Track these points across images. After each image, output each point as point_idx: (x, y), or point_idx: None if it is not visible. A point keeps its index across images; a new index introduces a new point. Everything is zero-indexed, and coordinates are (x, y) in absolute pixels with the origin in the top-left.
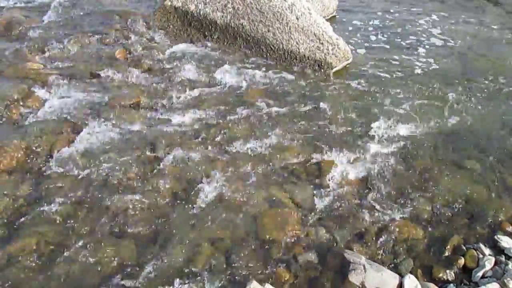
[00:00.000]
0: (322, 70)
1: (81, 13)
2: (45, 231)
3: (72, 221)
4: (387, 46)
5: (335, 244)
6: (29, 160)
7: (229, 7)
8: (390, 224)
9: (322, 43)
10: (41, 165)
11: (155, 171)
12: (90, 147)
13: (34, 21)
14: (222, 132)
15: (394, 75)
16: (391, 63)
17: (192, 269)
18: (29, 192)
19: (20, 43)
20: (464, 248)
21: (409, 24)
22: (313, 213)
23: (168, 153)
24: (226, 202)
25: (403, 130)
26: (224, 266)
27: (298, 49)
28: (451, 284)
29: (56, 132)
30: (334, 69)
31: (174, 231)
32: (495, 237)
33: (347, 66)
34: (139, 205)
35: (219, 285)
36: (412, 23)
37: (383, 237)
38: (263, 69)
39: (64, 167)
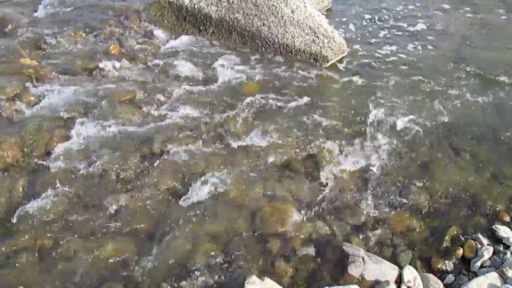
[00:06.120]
0: (318, 63)
1: (75, 9)
2: (42, 228)
3: (69, 218)
4: (383, 38)
5: (333, 237)
6: (24, 157)
7: (223, 1)
8: (388, 216)
9: (317, 36)
10: (37, 162)
11: (152, 166)
12: (86, 144)
13: (27, 17)
14: (218, 127)
15: (390, 67)
16: (387, 55)
17: (191, 264)
18: (25, 189)
19: (14, 39)
20: (463, 238)
21: (405, 16)
22: (311, 206)
23: (165, 149)
24: (224, 197)
25: (400, 122)
26: (223, 260)
27: (294, 42)
28: (450, 275)
29: (51, 129)
30: (330, 62)
31: (172, 226)
32: (493, 227)
33: (343, 58)
34: (137, 201)
35: (219, 279)
36: (407, 15)
37: (381, 229)
38: (259, 63)
39: (60, 163)
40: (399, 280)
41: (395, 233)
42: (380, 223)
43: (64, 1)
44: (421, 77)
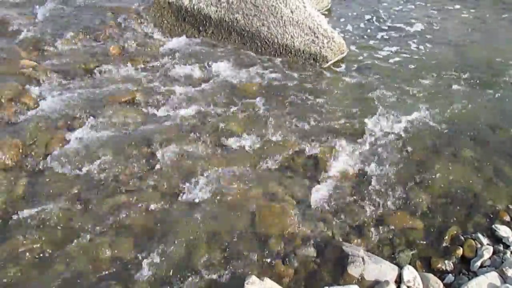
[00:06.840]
0: (318, 64)
1: (75, 10)
2: (42, 229)
3: (68, 219)
4: (382, 39)
5: (333, 237)
6: (24, 158)
7: (223, 1)
8: (388, 216)
9: (317, 37)
10: (36, 163)
11: (151, 167)
12: (86, 145)
13: (27, 18)
14: (218, 127)
15: (389, 67)
16: (386, 55)
17: (191, 265)
18: (25, 190)
19: (14, 41)
20: (462, 238)
21: (404, 16)
22: (311, 207)
23: (164, 149)
24: (223, 198)
25: (400, 121)
26: (223, 261)
27: (293, 43)
28: (450, 274)
29: (51, 130)
30: (330, 62)
31: (171, 227)
32: (493, 226)
33: (342, 59)
34: (136, 202)
35: (218, 280)
36: (407, 15)
37: (381, 229)
38: (258, 63)
39: (60, 164)
40: (398, 280)
41: (395, 233)
42: (380, 223)
43: (64, 2)
44: (420, 77)
